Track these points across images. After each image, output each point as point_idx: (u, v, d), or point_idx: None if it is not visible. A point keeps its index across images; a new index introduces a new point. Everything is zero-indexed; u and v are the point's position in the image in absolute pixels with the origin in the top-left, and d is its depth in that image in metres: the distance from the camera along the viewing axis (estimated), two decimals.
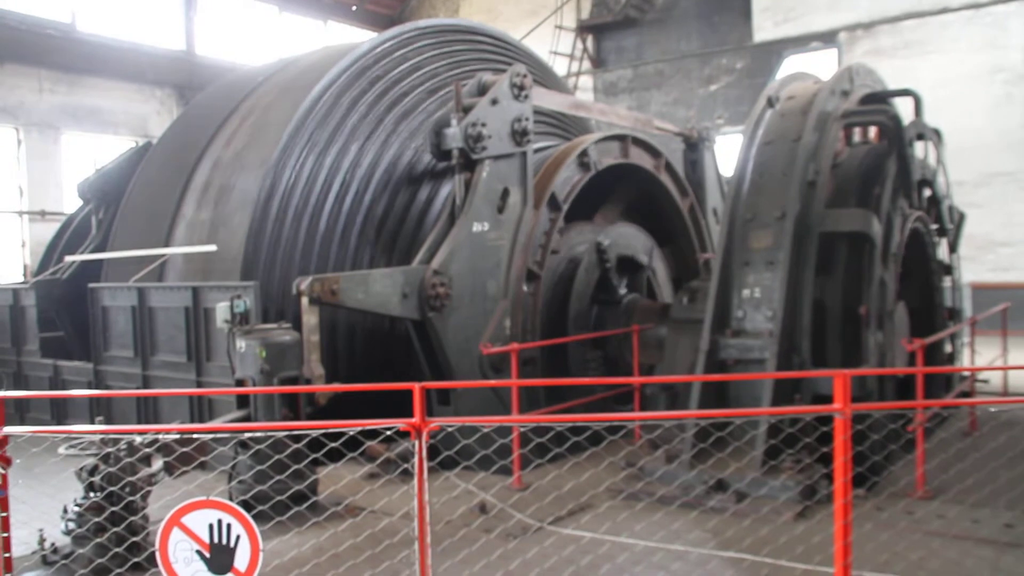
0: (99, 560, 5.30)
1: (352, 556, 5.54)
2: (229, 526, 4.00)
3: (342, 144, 9.19)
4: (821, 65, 19.41)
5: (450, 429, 7.27)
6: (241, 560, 4.00)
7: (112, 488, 5.48)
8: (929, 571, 5.34)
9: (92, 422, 7.09)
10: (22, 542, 5.60)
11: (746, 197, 8.02)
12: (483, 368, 8.36)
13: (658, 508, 6.55)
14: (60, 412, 10.40)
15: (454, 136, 8.42)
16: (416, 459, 4.12)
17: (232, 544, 4.00)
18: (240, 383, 7.04)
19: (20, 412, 10.76)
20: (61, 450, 5.64)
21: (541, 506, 6.70)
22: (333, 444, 5.35)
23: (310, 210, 8.93)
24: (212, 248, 9.05)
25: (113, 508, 5.41)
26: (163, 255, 9.67)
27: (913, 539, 5.90)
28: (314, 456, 5.83)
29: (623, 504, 6.87)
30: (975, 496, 6.43)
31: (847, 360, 7.47)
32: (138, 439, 5.60)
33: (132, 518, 5.54)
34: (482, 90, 8.86)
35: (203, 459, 5.90)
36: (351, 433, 4.47)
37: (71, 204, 16.39)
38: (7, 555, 4.39)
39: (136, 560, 5.18)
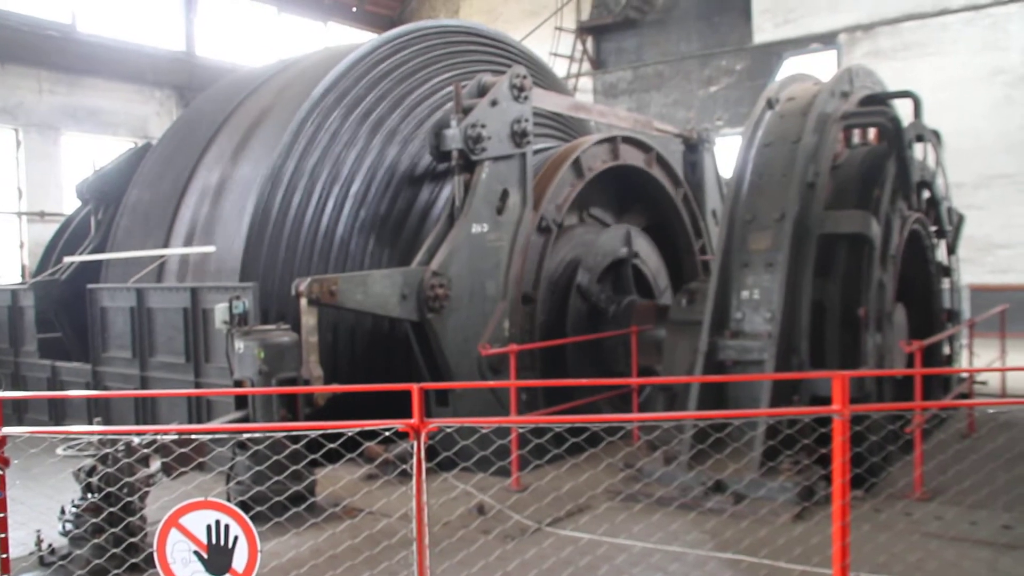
0: (97, 561, 5.29)
1: (350, 557, 5.54)
2: (227, 527, 4.00)
3: (343, 145, 9.19)
4: (821, 67, 19.43)
5: (448, 430, 7.26)
6: (239, 561, 4.00)
7: (110, 489, 5.47)
8: (927, 572, 5.34)
9: (90, 423, 7.08)
10: (19, 543, 5.59)
11: (745, 198, 8.02)
12: (482, 369, 8.36)
13: (656, 509, 6.55)
14: (58, 413, 10.39)
15: (454, 137, 8.42)
16: (414, 460, 4.12)
17: (230, 545, 4.00)
18: (238, 384, 7.04)
19: (18, 413, 10.76)
20: (59, 451, 5.64)
21: (539, 507, 6.70)
22: (331, 445, 5.35)
23: (311, 211, 8.93)
24: (211, 249, 9.05)
25: (111, 509, 5.40)
26: (162, 256, 9.66)
27: (911, 540, 5.90)
28: (312, 457, 5.83)
29: (621, 505, 6.87)
30: (973, 498, 6.42)
31: (846, 362, 7.47)
32: (136, 440, 5.60)
33: (130, 519, 5.54)
34: (482, 91, 8.87)
35: (201, 460, 5.90)
36: (349, 434, 4.47)
37: (70, 205, 16.37)
38: (4, 556, 4.39)
39: (134, 561, 5.17)
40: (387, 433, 4.46)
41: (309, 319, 7.38)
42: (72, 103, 19.72)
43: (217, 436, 5.68)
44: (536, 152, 9.48)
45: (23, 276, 18.14)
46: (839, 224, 7.75)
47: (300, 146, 8.93)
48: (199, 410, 8.56)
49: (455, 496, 7.10)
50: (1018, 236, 18.28)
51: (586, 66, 24.84)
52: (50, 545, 5.77)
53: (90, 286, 9.98)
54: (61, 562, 5.52)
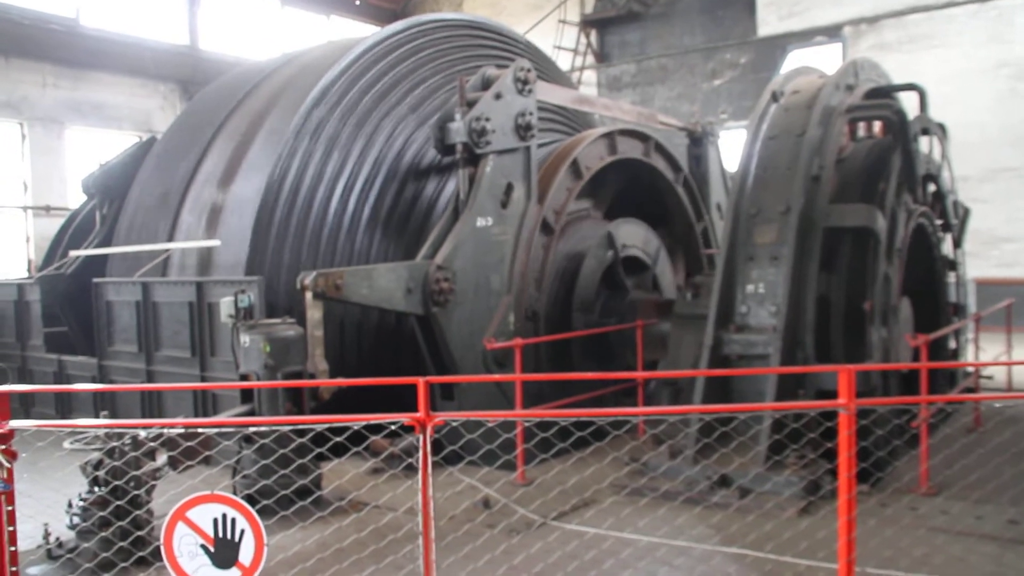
0: (104, 554, 5.31)
1: (356, 551, 5.55)
2: (233, 521, 4.01)
3: (348, 138, 9.18)
4: (825, 59, 19.36)
5: (454, 424, 7.25)
6: (245, 555, 4.01)
7: (117, 482, 5.49)
8: (933, 567, 5.33)
9: (97, 417, 7.10)
10: (27, 536, 5.62)
11: (750, 192, 8.00)
12: (487, 363, 8.36)
13: (662, 504, 6.55)
14: (65, 407, 10.43)
15: (458, 130, 8.41)
16: (420, 454, 4.12)
17: (236, 539, 4.01)
18: (244, 378, 7.05)
19: (25, 407, 10.80)
20: (66, 444, 5.65)
21: (545, 501, 6.71)
22: (337, 439, 5.35)
23: (316, 205, 8.92)
24: (216, 243, 9.06)
25: (118, 502, 5.41)
26: (167, 250, 9.67)
27: (917, 535, 5.90)
28: (318, 451, 5.83)
29: (627, 499, 6.87)
30: (979, 492, 6.41)
31: (851, 355, 7.46)
32: (143, 433, 5.61)
33: (137, 512, 5.56)
34: (486, 84, 8.85)
35: (207, 454, 5.91)
36: (355, 428, 4.48)
37: (75, 199, 16.42)
38: (13, 549, 4.40)
39: (141, 554, 5.20)
40: (393, 427, 4.46)
41: (314, 313, 7.38)
42: (76, 97, 19.71)
43: (223, 430, 5.70)
44: (540, 146, 9.47)
45: (29, 270, 18.18)
46: (844, 218, 7.73)
47: (305, 140, 8.92)
48: (205, 404, 8.58)
49: (461, 490, 7.11)
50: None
51: (590, 59, 24.77)
52: (58, 538, 5.81)
53: (96, 280, 10.00)
54: (69, 555, 5.54)
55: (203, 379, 8.60)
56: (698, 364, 7.73)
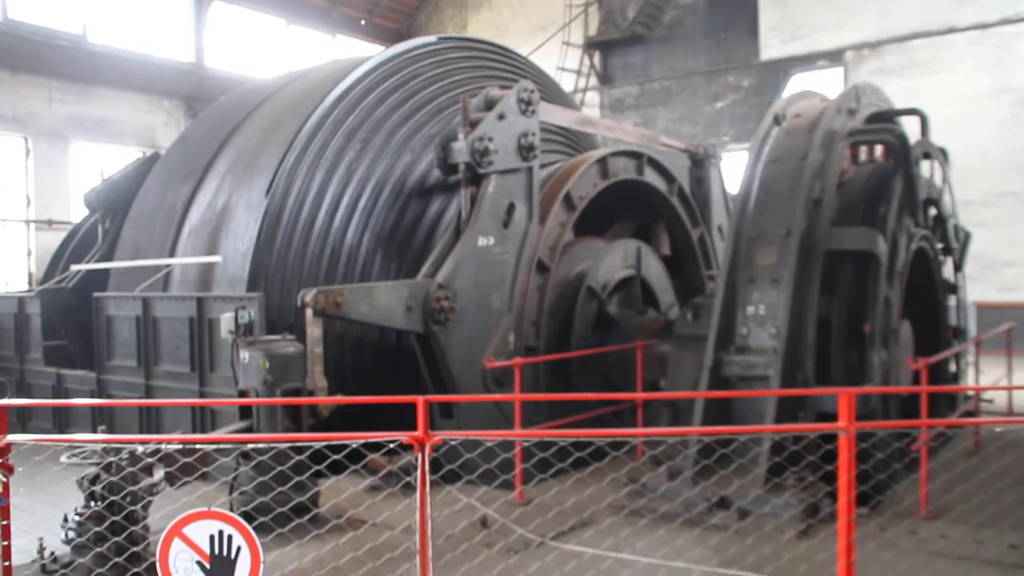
0: (99, 570, 5.27)
1: (353, 569, 5.52)
2: (230, 537, 3.99)
3: (352, 157, 9.22)
4: (827, 84, 19.48)
5: (453, 443, 7.25)
6: (241, 572, 3.99)
7: (113, 497, 5.47)
8: None
9: (94, 431, 7.08)
10: (22, 551, 5.59)
11: (752, 214, 8.02)
12: (486, 382, 8.35)
13: (660, 525, 6.52)
14: (62, 421, 10.40)
15: (461, 150, 8.44)
16: (418, 472, 4.11)
17: (233, 556, 3.99)
18: (243, 394, 7.04)
19: (23, 420, 10.78)
20: (63, 459, 5.63)
21: (543, 521, 6.67)
22: (335, 456, 5.35)
23: (319, 222, 8.95)
24: (218, 259, 9.07)
25: (114, 518, 5.39)
26: (168, 265, 9.69)
27: (917, 559, 5.87)
28: (316, 468, 5.81)
29: (625, 520, 6.83)
30: (979, 517, 6.38)
31: (851, 378, 7.45)
32: (140, 449, 5.59)
33: (133, 528, 5.53)
34: (489, 105, 8.89)
35: (205, 470, 5.89)
36: (353, 445, 4.47)
37: (78, 213, 16.46)
38: (7, 564, 4.38)
39: (136, 570, 5.16)
40: (391, 445, 4.45)
41: (314, 330, 7.38)
42: (81, 112, 19.82)
43: (221, 446, 5.68)
44: (542, 167, 9.50)
45: (30, 284, 18.19)
46: (845, 240, 7.74)
47: (309, 158, 8.96)
48: (203, 420, 8.57)
49: (459, 509, 7.08)
50: None
51: (593, 81, 24.91)
52: (52, 553, 5.77)
53: (96, 294, 10.01)
54: (63, 570, 5.52)
55: (202, 395, 8.59)
56: (698, 385, 7.71)
